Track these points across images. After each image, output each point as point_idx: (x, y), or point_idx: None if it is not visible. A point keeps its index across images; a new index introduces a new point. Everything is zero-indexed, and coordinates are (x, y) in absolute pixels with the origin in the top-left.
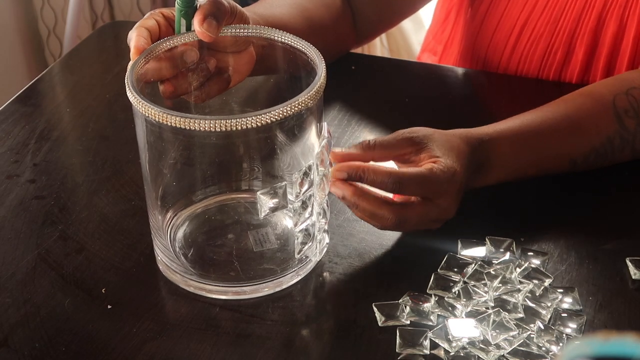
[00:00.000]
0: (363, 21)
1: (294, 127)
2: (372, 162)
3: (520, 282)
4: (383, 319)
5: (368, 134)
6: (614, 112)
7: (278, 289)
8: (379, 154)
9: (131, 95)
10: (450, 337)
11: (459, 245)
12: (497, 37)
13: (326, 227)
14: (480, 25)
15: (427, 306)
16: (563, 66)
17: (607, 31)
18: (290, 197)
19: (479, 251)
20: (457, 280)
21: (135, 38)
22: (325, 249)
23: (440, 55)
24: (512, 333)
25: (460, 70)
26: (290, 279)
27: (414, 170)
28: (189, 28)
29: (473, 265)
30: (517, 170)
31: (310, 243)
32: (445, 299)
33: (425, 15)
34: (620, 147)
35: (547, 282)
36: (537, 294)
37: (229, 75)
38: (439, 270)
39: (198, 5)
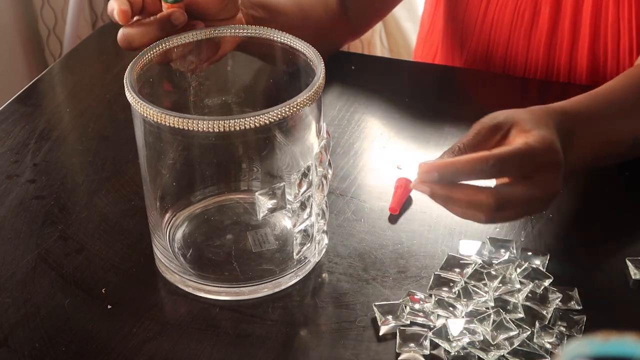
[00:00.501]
0: (357, 13)
1: (293, 128)
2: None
3: (521, 283)
4: (383, 319)
5: (368, 134)
6: None
7: (277, 289)
8: None
9: (130, 96)
10: (450, 337)
11: (459, 246)
12: (470, 6)
13: (325, 228)
14: (455, 1)
15: (427, 306)
16: (532, 27)
17: None
18: (289, 197)
19: (479, 251)
20: (457, 280)
21: (116, 2)
22: (324, 250)
23: (422, 50)
24: (512, 333)
25: (461, 70)
26: (289, 280)
27: (510, 148)
28: None
29: (473, 265)
30: (594, 155)
31: (309, 244)
32: (446, 299)
33: None
34: None
35: (547, 282)
36: (537, 294)
37: (218, 41)
38: (439, 270)
39: None
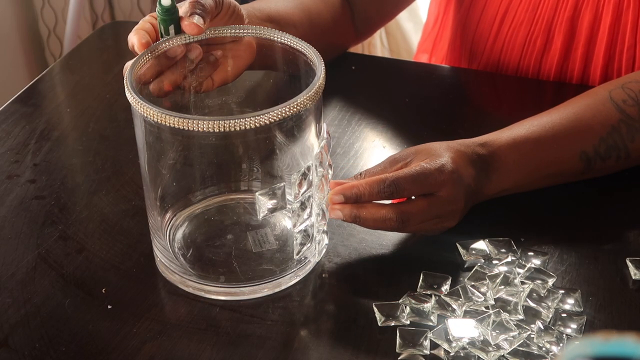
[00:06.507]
0: (361, 16)
1: (293, 128)
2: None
3: (522, 283)
4: (383, 319)
5: (368, 135)
6: (612, 104)
7: (277, 289)
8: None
9: (130, 96)
10: (450, 337)
11: (459, 247)
12: (481, 26)
13: (325, 228)
14: (466, 16)
15: (427, 306)
16: (543, 54)
17: (584, 20)
18: (289, 197)
19: (480, 252)
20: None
21: (137, 37)
22: (325, 250)
23: (430, 52)
24: (512, 333)
25: (460, 70)
26: (289, 280)
27: (406, 170)
28: (177, 31)
29: (474, 266)
30: (529, 173)
31: (309, 244)
32: (446, 299)
33: (426, 14)
34: (630, 136)
35: (551, 281)
36: (538, 294)
37: (231, 62)
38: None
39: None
